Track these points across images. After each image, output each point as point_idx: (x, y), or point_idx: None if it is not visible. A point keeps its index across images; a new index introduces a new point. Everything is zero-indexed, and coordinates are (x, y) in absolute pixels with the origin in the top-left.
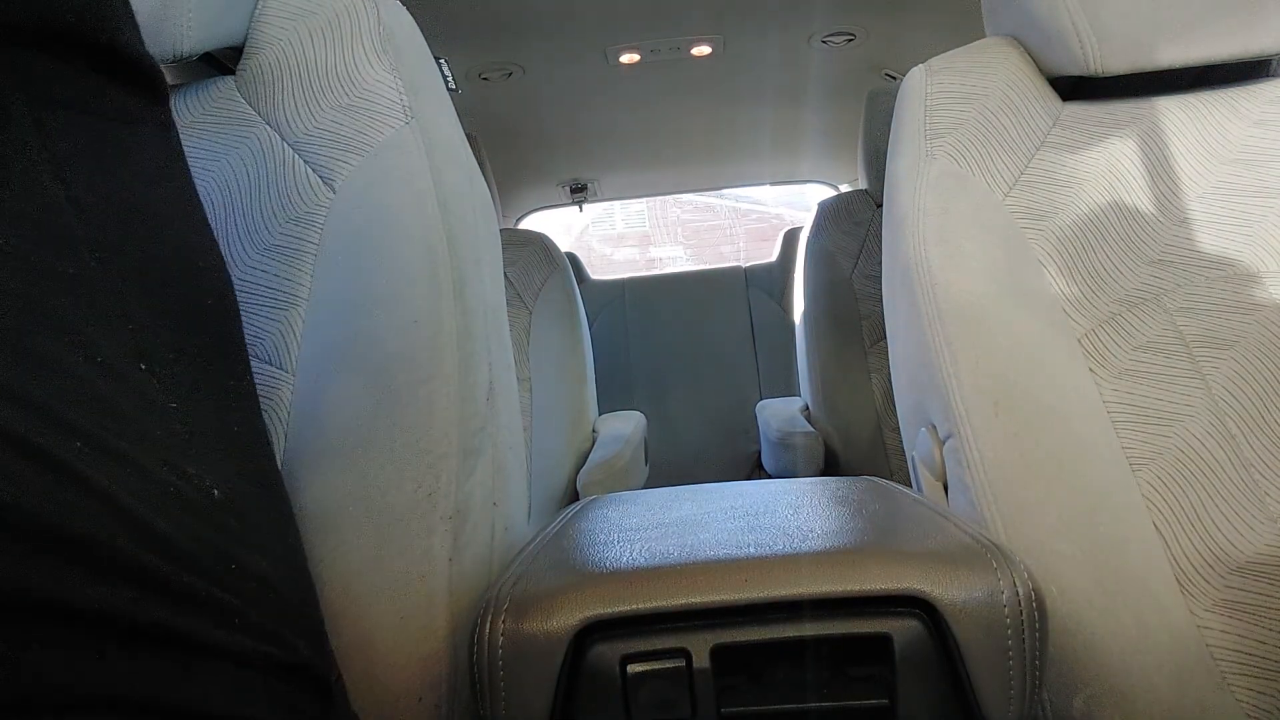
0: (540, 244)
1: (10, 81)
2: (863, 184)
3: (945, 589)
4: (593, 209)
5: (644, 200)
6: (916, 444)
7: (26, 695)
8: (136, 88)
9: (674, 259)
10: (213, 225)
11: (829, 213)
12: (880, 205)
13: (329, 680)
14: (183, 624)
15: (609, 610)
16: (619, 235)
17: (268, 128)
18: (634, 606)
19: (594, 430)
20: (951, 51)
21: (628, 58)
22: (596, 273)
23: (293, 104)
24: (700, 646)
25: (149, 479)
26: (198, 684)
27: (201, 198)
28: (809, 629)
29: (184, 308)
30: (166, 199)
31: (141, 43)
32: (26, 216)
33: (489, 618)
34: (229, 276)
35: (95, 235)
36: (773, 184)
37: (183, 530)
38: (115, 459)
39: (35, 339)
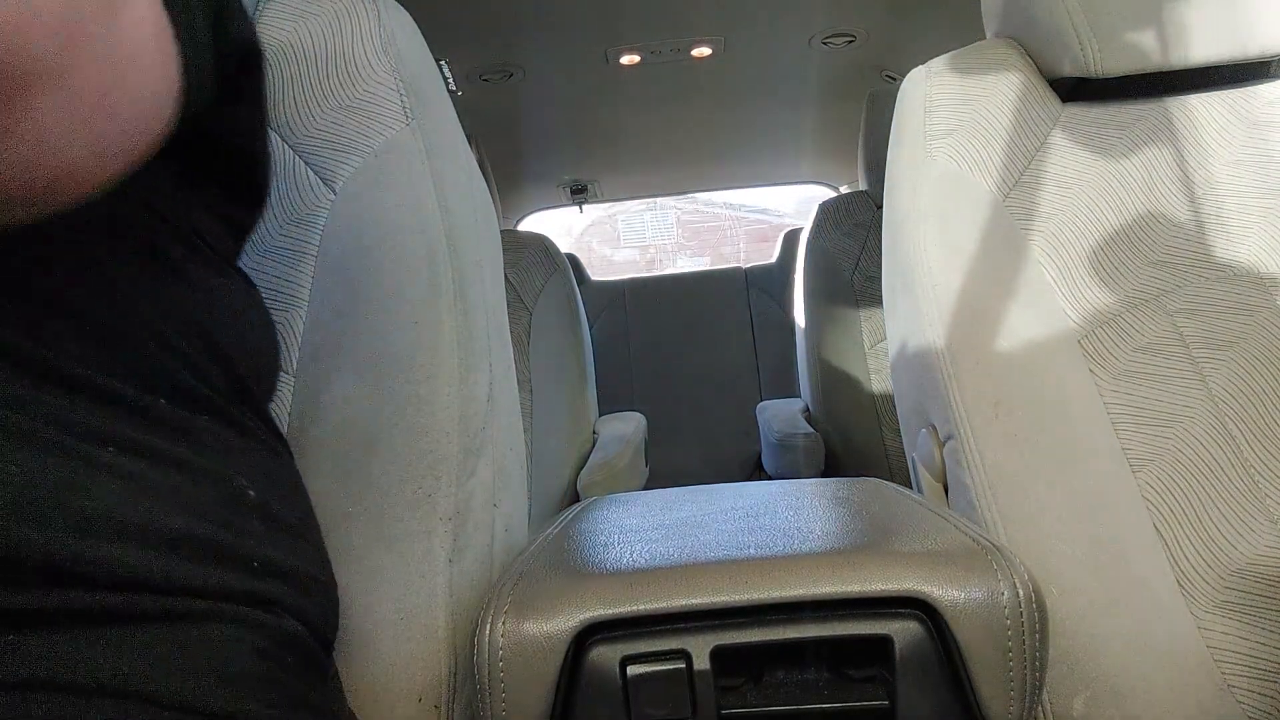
0: (541, 245)
1: None
2: (863, 185)
3: (945, 590)
4: (617, 218)
5: (670, 213)
6: (917, 445)
7: None
8: None
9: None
10: None
11: (829, 214)
12: (880, 206)
13: (323, 656)
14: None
15: (609, 611)
16: (646, 244)
17: (268, 129)
18: (634, 608)
19: (594, 431)
20: (951, 53)
21: (628, 59)
22: (597, 273)
23: (293, 105)
24: (700, 648)
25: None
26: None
27: None
28: (809, 630)
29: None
30: None
31: None
32: None
33: (489, 618)
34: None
35: None
36: (773, 185)
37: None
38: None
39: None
